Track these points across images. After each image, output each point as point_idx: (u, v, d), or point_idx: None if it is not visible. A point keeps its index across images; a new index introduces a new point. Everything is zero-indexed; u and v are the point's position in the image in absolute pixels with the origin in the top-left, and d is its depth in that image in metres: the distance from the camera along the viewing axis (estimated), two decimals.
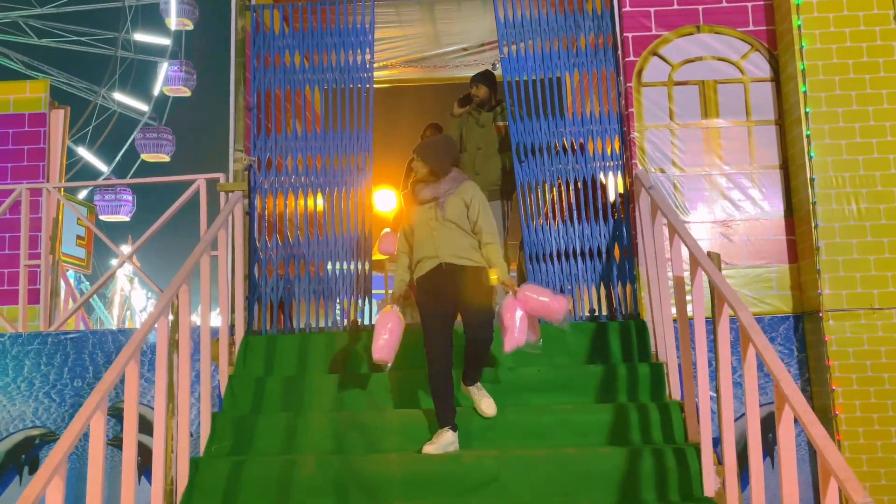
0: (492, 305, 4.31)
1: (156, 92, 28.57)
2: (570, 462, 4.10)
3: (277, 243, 5.55)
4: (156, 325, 3.85)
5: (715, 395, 3.97)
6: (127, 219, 26.54)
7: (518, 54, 5.62)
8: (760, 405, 4.99)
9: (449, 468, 4.09)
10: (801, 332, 5.09)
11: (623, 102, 5.48)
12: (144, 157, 27.36)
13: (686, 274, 4.45)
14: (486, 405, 4.41)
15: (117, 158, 28.46)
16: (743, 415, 3.98)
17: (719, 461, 4.04)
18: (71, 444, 2.83)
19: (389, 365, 4.32)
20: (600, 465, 4.08)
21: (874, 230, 4.97)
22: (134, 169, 29.29)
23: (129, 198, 26.89)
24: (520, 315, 4.22)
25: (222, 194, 5.59)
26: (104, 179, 27.49)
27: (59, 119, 7.38)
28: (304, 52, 5.79)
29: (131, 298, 34.48)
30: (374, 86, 5.74)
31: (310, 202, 5.59)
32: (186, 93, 28.27)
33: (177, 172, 6.13)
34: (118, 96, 28.69)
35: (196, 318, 5.01)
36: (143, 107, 28.85)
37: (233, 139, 5.56)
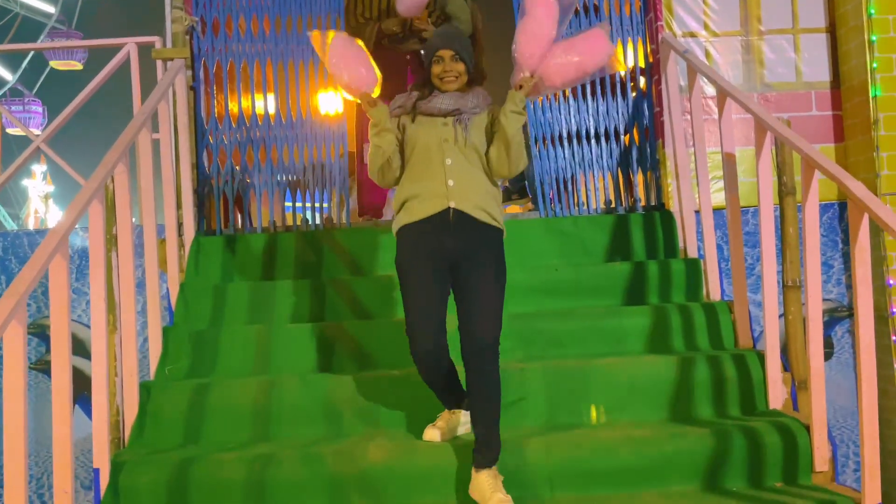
0: (501, 295, 2.89)
1: None
2: (609, 373, 3.43)
3: (230, 124, 4.57)
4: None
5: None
6: (38, 132, 24.58)
7: None
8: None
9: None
10: (847, 220, 4.46)
11: None
12: (53, 64, 25.28)
13: (740, 151, 3.73)
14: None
15: (23, 65, 25.99)
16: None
17: (785, 368, 3.45)
18: None
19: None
20: (645, 376, 3.43)
21: None
22: (43, 78, 26.88)
23: (40, 109, 24.92)
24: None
25: (159, 65, 4.55)
26: (9, 89, 25.29)
27: None
28: None
29: (47, 220, 32.37)
30: None
31: (268, 73, 4.60)
32: None
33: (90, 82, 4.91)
34: None
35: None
36: (50, 8, 26.28)
37: None
